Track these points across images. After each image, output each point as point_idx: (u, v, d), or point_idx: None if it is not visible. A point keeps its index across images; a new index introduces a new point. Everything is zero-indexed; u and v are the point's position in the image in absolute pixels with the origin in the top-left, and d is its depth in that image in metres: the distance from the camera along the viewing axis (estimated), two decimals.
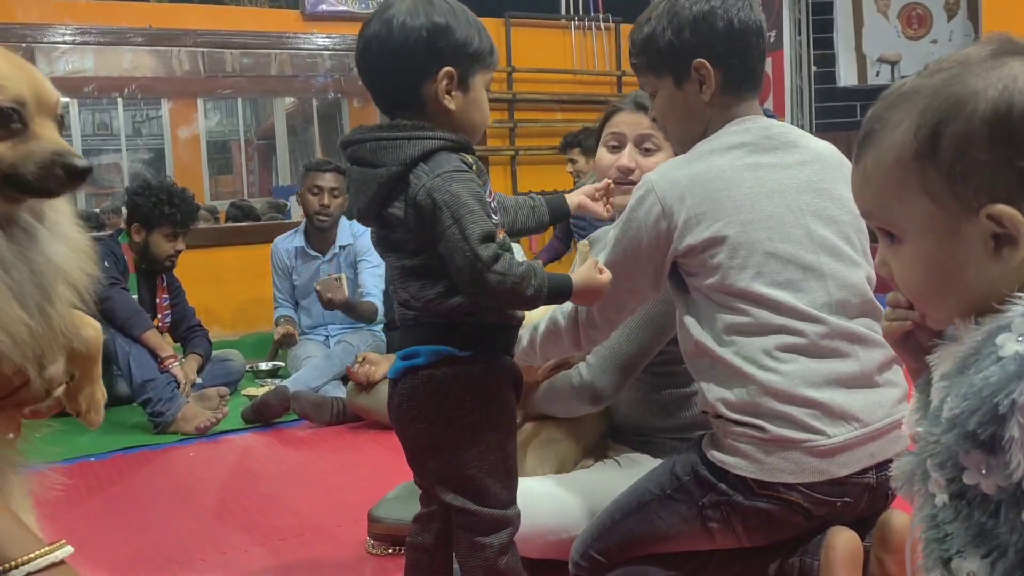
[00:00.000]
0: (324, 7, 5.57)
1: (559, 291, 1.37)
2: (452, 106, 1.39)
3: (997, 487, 0.70)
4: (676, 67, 1.56)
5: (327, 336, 4.18)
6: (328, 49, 5.71)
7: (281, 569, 2.11)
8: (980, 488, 0.71)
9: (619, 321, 1.65)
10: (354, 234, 4.16)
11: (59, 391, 1.17)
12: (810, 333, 1.45)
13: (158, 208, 3.61)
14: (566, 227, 5.22)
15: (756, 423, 1.44)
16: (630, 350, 1.76)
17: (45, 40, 4.85)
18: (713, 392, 1.49)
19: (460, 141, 1.39)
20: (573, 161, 5.25)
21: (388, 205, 1.37)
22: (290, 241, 4.28)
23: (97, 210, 6.61)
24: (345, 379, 3.57)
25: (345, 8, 5.61)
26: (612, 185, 1.71)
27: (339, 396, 3.51)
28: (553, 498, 1.78)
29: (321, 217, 4.08)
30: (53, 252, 1.08)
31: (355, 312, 3.94)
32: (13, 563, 0.98)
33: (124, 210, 3.82)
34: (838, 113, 5.87)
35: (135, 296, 3.63)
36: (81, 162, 1.06)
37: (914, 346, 0.89)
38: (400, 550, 1.99)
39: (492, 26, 5.56)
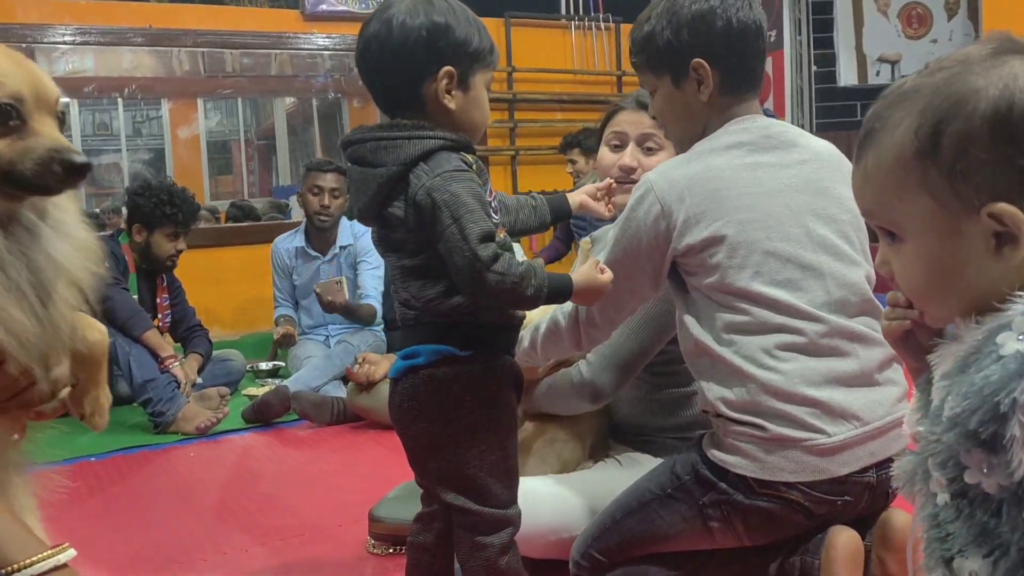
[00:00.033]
0: (324, 7, 5.57)
1: (559, 291, 1.37)
2: (452, 105, 1.39)
3: (999, 486, 0.70)
4: (674, 66, 1.56)
5: (327, 336, 4.18)
6: (328, 49, 5.71)
7: (282, 569, 2.11)
8: (982, 487, 0.71)
9: (620, 321, 1.65)
10: (355, 235, 4.16)
11: (64, 393, 1.16)
12: (810, 332, 1.45)
13: (159, 208, 3.61)
14: (566, 227, 5.22)
15: (756, 422, 1.44)
16: (630, 349, 1.76)
17: (45, 40, 4.85)
18: (713, 391, 1.49)
19: (460, 140, 1.39)
20: (573, 161, 5.25)
21: (388, 205, 1.37)
22: (290, 241, 4.28)
23: (97, 210, 6.61)
24: (345, 379, 3.57)
25: (345, 8, 5.61)
26: (614, 185, 1.71)
27: (339, 396, 3.51)
28: (554, 498, 1.78)
29: (322, 217, 4.08)
30: (56, 251, 1.07)
31: (354, 316, 3.95)
32: (15, 566, 0.98)
33: (124, 210, 3.83)
34: (838, 113, 5.87)
35: (135, 296, 3.64)
36: (79, 158, 1.04)
37: (914, 345, 0.89)
38: (400, 550, 1.99)
39: (492, 26, 5.56)
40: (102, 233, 4.16)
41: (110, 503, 2.63)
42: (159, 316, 3.80)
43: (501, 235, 1.38)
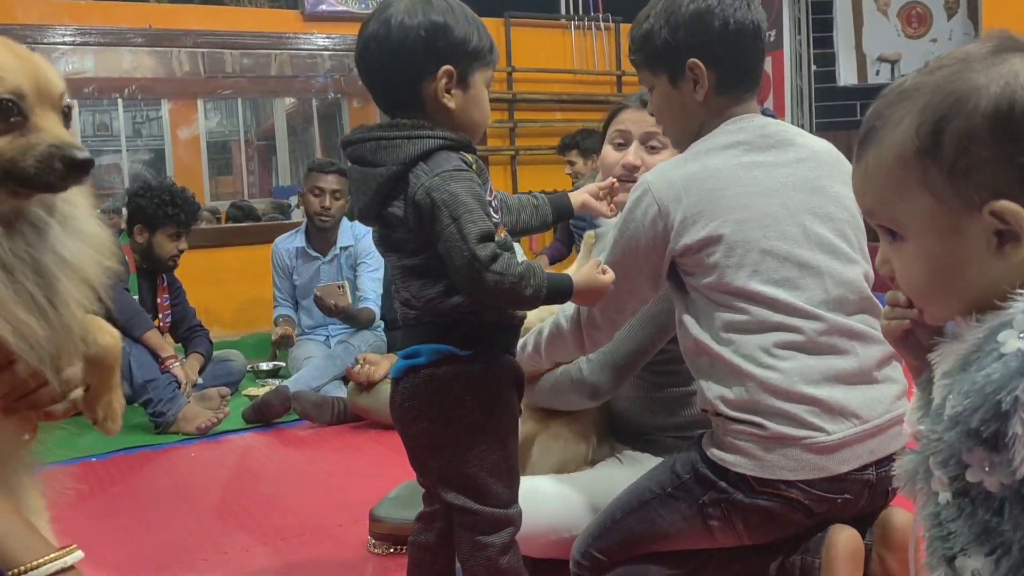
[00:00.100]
0: (324, 7, 5.57)
1: (559, 291, 1.37)
2: (452, 105, 1.39)
3: (1000, 484, 0.70)
4: (672, 66, 1.57)
5: (328, 336, 4.18)
6: (328, 49, 5.71)
7: (282, 569, 2.11)
8: (983, 486, 0.71)
9: (621, 322, 1.65)
10: (355, 236, 4.16)
11: (75, 394, 1.15)
12: (808, 330, 1.45)
13: (162, 209, 3.62)
14: (566, 228, 5.22)
15: (755, 420, 1.44)
16: (630, 347, 1.76)
17: (45, 41, 4.85)
18: (712, 390, 1.50)
19: (460, 140, 1.39)
20: (571, 163, 5.25)
21: (388, 204, 1.37)
22: (291, 241, 4.28)
23: (98, 211, 6.60)
24: (346, 379, 3.57)
25: (345, 8, 5.61)
26: (616, 184, 1.71)
27: (340, 396, 3.51)
28: (554, 497, 1.78)
29: (322, 218, 4.08)
30: (64, 249, 1.05)
31: (354, 320, 3.95)
32: (22, 568, 0.97)
33: (124, 211, 3.83)
34: (838, 112, 5.87)
35: (136, 296, 3.64)
36: (81, 154, 1.01)
37: (914, 344, 0.89)
38: (401, 549, 1.99)
39: (492, 26, 5.55)
40: None
41: (111, 503, 2.63)
42: (159, 316, 3.80)
43: (501, 235, 1.38)
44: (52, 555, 1.00)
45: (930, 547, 0.79)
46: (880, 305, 1.49)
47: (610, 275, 1.40)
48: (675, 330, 1.64)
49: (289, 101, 8.11)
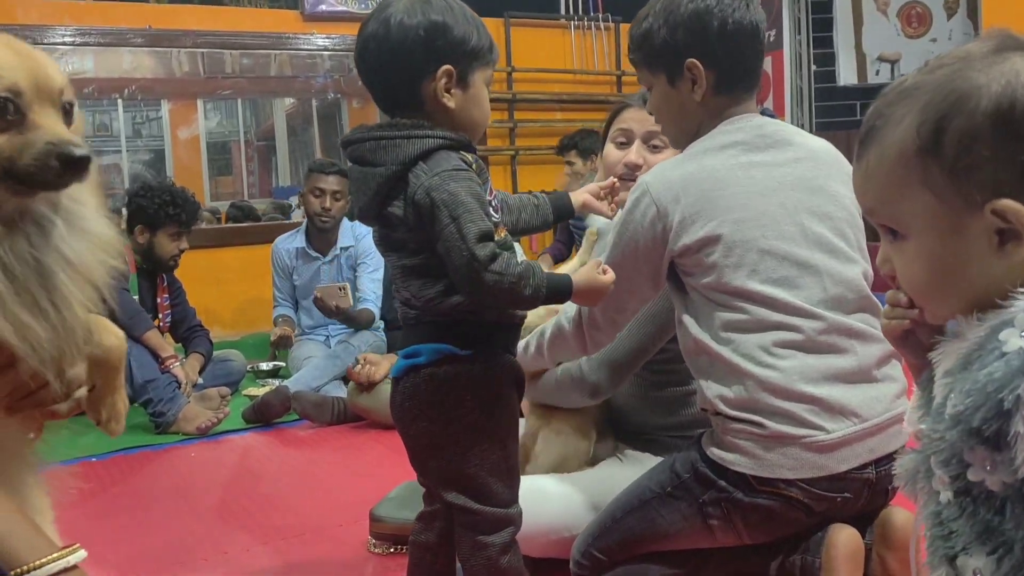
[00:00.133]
0: (323, 7, 5.57)
1: (558, 291, 1.37)
2: (451, 104, 1.39)
3: (1002, 483, 0.70)
4: (670, 66, 1.57)
5: (328, 336, 4.18)
6: (328, 50, 5.71)
7: (283, 568, 2.11)
8: (985, 485, 0.71)
9: (622, 322, 1.66)
10: (356, 236, 4.16)
11: (79, 393, 1.13)
12: (807, 329, 1.45)
13: (163, 209, 3.63)
14: (566, 229, 5.21)
15: (755, 419, 1.44)
16: (630, 346, 1.77)
17: (45, 41, 4.85)
18: (712, 389, 1.50)
19: (460, 140, 1.39)
20: (570, 163, 5.25)
21: (388, 204, 1.37)
22: (291, 241, 4.28)
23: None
24: (346, 379, 3.57)
25: (345, 8, 5.61)
26: (617, 184, 1.71)
27: (340, 396, 3.51)
28: (554, 496, 1.78)
29: (323, 219, 4.08)
30: (68, 249, 1.03)
31: (353, 321, 3.95)
32: (25, 568, 0.96)
33: (124, 211, 3.83)
34: (838, 112, 5.87)
35: (136, 296, 3.64)
36: (79, 150, 0.98)
37: (914, 343, 0.89)
38: (401, 549, 1.99)
39: (492, 26, 5.55)
40: None
41: (111, 503, 2.63)
42: (159, 316, 3.80)
43: (502, 234, 1.39)
44: (55, 554, 0.99)
45: (931, 546, 0.79)
46: (880, 304, 1.49)
47: (610, 275, 1.40)
48: (675, 329, 1.64)
49: (289, 101, 8.10)
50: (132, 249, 3.69)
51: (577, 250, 2.45)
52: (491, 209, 1.38)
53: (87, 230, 1.07)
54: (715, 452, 1.50)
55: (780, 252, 1.47)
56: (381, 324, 4.08)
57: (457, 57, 1.38)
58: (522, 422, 1.75)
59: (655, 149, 1.88)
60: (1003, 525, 0.71)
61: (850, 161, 1.50)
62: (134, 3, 5.24)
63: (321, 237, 4.17)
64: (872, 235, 1.55)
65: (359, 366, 3.29)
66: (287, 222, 5.77)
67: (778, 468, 1.43)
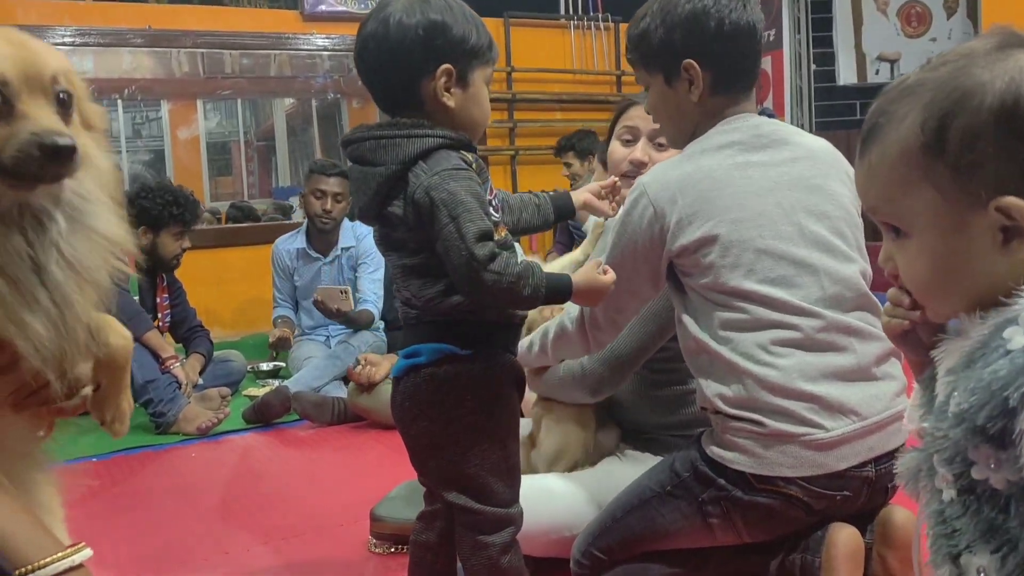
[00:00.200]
0: (323, 7, 5.57)
1: (558, 290, 1.37)
2: (451, 103, 1.38)
3: (1007, 481, 0.70)
4: (667, 66, 1.57)
5: (328, 336, 4.18)
6: (327, 50, 5.71)
7: (284, 568, 2.11)
8: (989, 483, 0.71)
9: (623, 322, 1.66)
10: (356, 236, 4.15)
11: (86, 391, 1.12)
12: (805, 327, 1.45)
13: (166, 209, 3.63)
14: (566, 230, 5.21)
15: (754, 418, 1.44)
16: (630, 345, 1.77)
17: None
18: (711, 388, 1.50)
19: (460, 139, 1.39)
20: (568, 164, 5.25)
21: (388, 204, 1.36)
22: (292, 242, 4.27)
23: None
24: (346, 379, 3.57)
25: (344, 8, 5.61)
26: (618, 183, 1.71)
27: (340, 396, 3.51)
28: (555, 496, 1.79)
29: (323, 220, 4.08)
30: (67, 246, 1.00)
31: (353, 322, 3.96)
32: (30, 567, 0.96)
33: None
34: (838, 112, 5.87)
35: (136, 297, 3.64)
36: (62, 140, 0.94)
37: (914, 341, 0.89)
38: (402, 549, 1.99)
39: (491, 26, 5.54)
40: None
41: (112, 503, 2.63)
42: (159, 316, 3.80)
43: (502, 234, 1.38)
44: (60, 553, 0.98)
45: (934, 545, 0.79)
46: (879, 303, 1.49)
47: (611, 275, 1.40)
48: (676, 328, 1.64)
49: (288, 101, 8.11)
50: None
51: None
52: (491, 208, 1.38)
53: (92, 228, 1.04)
54: (715, 451, 1.50)
55: (777, 251, 1.47)
56: (381, 324, 4.08)
57: (456, 56, 1.37)
58: (523, 422, 1.75)
59: (661, 147, 1.88)
60: (1007, 523, 0.71)
61: (850, 160, 1.50)
62: (134, 3, 5.24)
63: (322, 238, 4.17)
64: (871, 235, 1.56)
65: (359, 367, 3.29)
66: (287, 222, 5.77)
67: (777, 466, 1.43)
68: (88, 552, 1.01)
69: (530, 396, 1.88)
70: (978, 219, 0.74)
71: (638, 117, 1.90)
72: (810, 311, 1.46)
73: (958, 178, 0.74)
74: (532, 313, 1.68)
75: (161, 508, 2.58)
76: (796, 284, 1.47)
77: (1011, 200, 0.72)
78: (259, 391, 3.78)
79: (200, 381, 3.73)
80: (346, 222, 4.18)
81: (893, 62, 5.85)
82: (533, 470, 1.91)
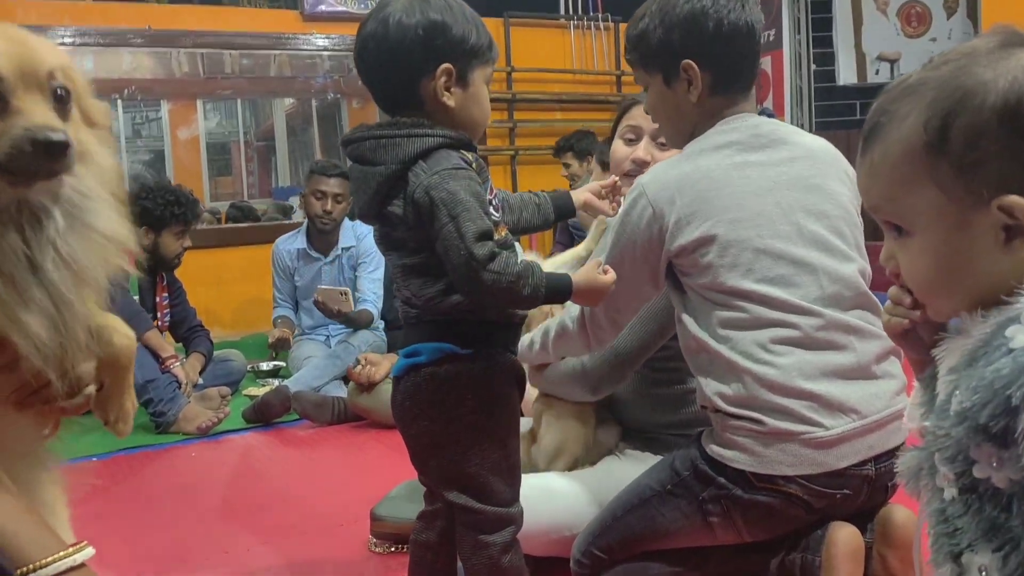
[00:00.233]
0: (323, 7, 5.57)
1: (558, 290, 1.36)
2: (451, 103, 1.38)
3: (1009, 480, 0.70)
4: (666, 66, 1.57)
5: (328, 336, 4.18)
6: (327, 50, 5.71)
7: (284, 567, 2.11)
8: (991, 481, 0.71)
9: (624, 321, 1.66)
10: (357, 236, 4.15)
11: (89, 390, 1.12)
12: (804, 326, 1.45)
13: (168, 209, 3.63)
14: (566, 231, 5.21)
15: (753, 416, 1.44)
16: (632, 343, 1.77)
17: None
18: (711, 387, 1.50)
19: (460, 138, 1.39)
20: (567, 165, 5.25)
21: (388, 203, 1.36)
22: (292, 242, 4.27)
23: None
24: (346, 379, 3.57)
25: (344, 8, 5.61)
26: (618, 183, 1.71)
27: (340, 396, 3.51)
28: (555, 495, 1.79)
29: (323, 221, 4.08)
30: (64, 244, 0.99)
31: (353, 322, 3.96)
32: (31, 566, 0.96)
33: None
34: (838, 112, 5.87)
35: (136, 296, 3.64)
36: (55, 135, 0.93)
37: (915, 339, 0.89)
38: (402, 548, 1.99)
39: (491, 26, 5.53)
40: None
41: (112, 503, 2.62)
42: (158, 316, 3.80)
43: (502, 233, 1.38)
44: (62, 552, 0.98)
45: (935, 544, 0.79)
46: (878, 302, 1.49)
47: (611, 275, 1.40)
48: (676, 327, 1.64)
49: (288, 102, 8.11)
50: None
51: None
52: (491, 208, 1.38)
53: (92, 226, 1.03)
54: (714, 449, 1.50)
55: (775, 251, 1.48)
56: (381, 324, 4.08)
57: (456, 55, 1.37)
58: (523, 421, 1.76)
59: (663, 147, 1.88)
60: (1009, 522, 0.71)
61: (850, 160, 1.50)
62: (134, 3, 5.24)
63: (322, 238, 4.17)
64: (871, 234, 1.56)
65: (359, 366, 3.29)
66: (287, 222, 5.77)
67: (777, 464, 1.43)
68: (90, 551, 1.01)
69: (530, 395, 1.88)
70: (980, 218, 0.74)
71: (641, 116, 1.90)
72: (809, 310, 1.46)
73: (961, 177, 0.75)
74: (532, 310, 1.68)
75: (161, 508, 2.58)
76: (795, 283, 1.47)
77: (1013, 199, 0.72)
78: (259, 391, 3.78)
79: (200, 381, 3.73)
80: (346, 222, 4.18)
81: (893, 62, 5.85)
82: (533, 465, 1.91)
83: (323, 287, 3.95)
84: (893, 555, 1.51)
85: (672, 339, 1.72)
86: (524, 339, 1.77)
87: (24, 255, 0.97)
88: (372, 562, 2.10)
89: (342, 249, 4.17)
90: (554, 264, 1.97)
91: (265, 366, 4.26)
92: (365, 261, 4.12)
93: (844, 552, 1.47)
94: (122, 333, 1.14)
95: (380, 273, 4.05)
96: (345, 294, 3.86)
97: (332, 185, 4.03)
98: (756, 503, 1.47)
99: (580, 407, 1.91)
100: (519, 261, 1.33)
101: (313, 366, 3.79)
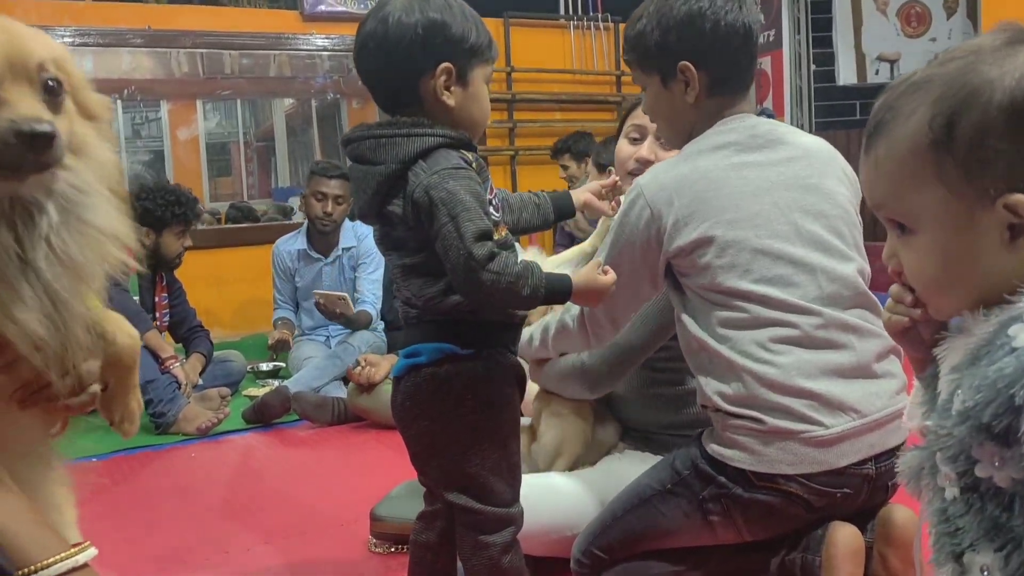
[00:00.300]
0: (323, 8, 5.57)
1: (557, 291, 1.36)
2: (451, 102, 1.38)
3: (1011, 479, 0.70)
4: (663, 67, 1.57)
5: (328, 336, 4.18)
6: (327, 50, 5.71)
7: (284, 568, 2.11)
8: (993, 481, 0.71)
9: (623, 321, 1.66)
10: (357, 236, 4.15)
11: (94, 388, 1.10)
12: (803, 325, 1.45)
13: (169, 209, 3.63)
14: (565, 230, 5.21)
15: (753, 415, 1.44)
16: (630, 342, 1.77)
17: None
18: (711, 386, 1.50)
19: (460, 138, 1.38)
20: (565, 167, 5.25)
21: (388, 203, 1.36)
22: (292, 243, 4.27)
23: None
24: (346, 379, 3.57)
25: (344, 9, 5.61)
26: (618, 182, 1.71)
27: (340, 396, 3.51)
28: (556, 495, 1.78)
29: (323, 223, 4.08)
30: (58, 240, 0.97)
31: (352, 323, 3.96)
32: (33, 567, 0.95)
33: None
34: (837, 112, 5.87)
35: (136, 296, 3.64)
36: (40, 126, 0.91)
37: (915, 338, 0.89)
38: (402, 548, 1.99)
39: (491, 26, 5.52)
40: None
41: (112, 503, 2.62)
42: (157, 316, 3.80)
43: (502, 233, 1.38)
44: (64, 553, 0.97)
45: (937, 543, 0.79)
46: (878, 302, 1.49)
47: (611, 276, 1.40)
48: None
49: (288, 102, 8.11)
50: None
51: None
52: (491, 208, 1.37)
53: (88, 221, 1.01)
54: (715, 448, 1.50)
55: (774, 251, 1.48)
56: (381, 324, 4.08)
57: (456, 54, 1.37)
58: (523, 420, 1.75)
59: (668, 146, 1.88)
60: (1011, 521, 0.71)
61: (850, 159, 1.50)
62: (133, 3, 5.24)
63: (322, 238, 4.16)
64: (870, 234, 1.56)
65: (359, 367, 3.29)
66: (287, 223, 5.77)
67: (777, 463, 1.43)
68: (93, 551, 1.00)
69: (530, 395, 1.89)
70: (986, 216, 0.74)
71: (646, 116, 1.90)
72: (808, 309, 1.46)
73: (966, 175, 0.74)
74: (533, 314, 1.68)
75: (161, 508, 2.58)
76: (793, 283, 1.47)
77: (1019, 198, 0.72)
78: (259, 391, 3.78)
79: (200, 381, 3.73)
80: (347, 222, 4.18)
81: (893, 62, 5.85)
82: (533, 463, 1.91)
83: (321, 292, 3.96)
84: (894, 555, 1.51)
85: (672, 339, 1.72)
86: (524, 334, 1.77)
87: (15, 253, 0.95)
88: (372, 562, 2.10)
89: (342, 250, 4.17)
90: (559, 260, 1.97)
91: (265, 367, 4.26)
92: (365, 262, 4.12)
93: (844, 552, 1.47)
94: (125, 332, 1.13)
95: (379, 274, 4.05)
96: (343, 299, 3.87)
97: (333, 187, 4.02)
98: (756, 502, 1.47)
99: (579, 404, 1.91)
100: (519, 261, 1.32)
101: (313, 367, 3.79)
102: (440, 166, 1.33)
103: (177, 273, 3.91)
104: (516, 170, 6.22)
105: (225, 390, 3.70)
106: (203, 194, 7.43)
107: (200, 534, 2.35)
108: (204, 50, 5.56)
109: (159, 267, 3.74)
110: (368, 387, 3.27)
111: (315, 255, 4.20)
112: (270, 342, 4.15)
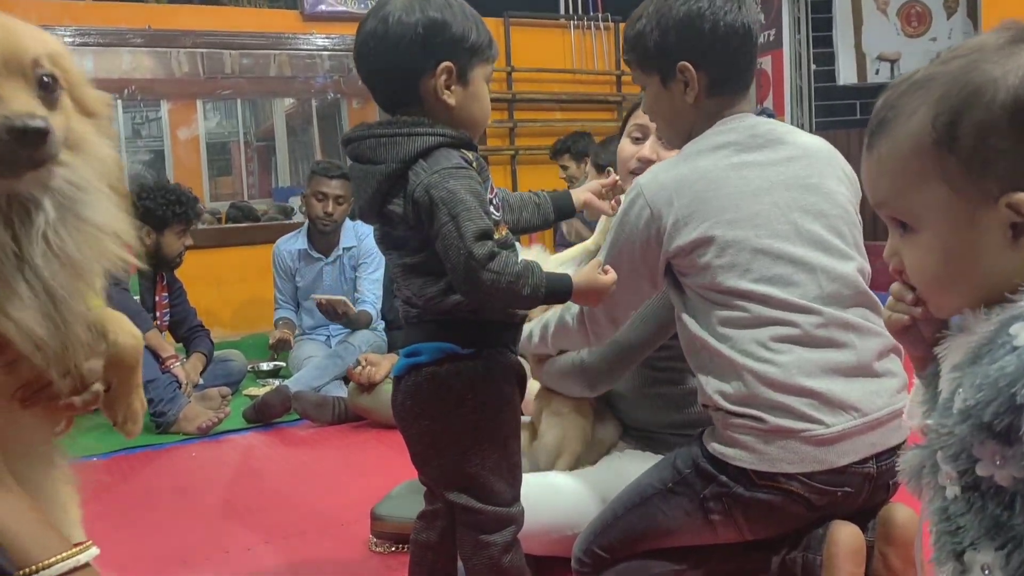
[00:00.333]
0: (323, 7, 5.57)
1: (558, 291, 1.36)
2: (452, 101, 1.38)
3: (1012, 478, 0.70)
4: (663, 67, 1.57)
5: (328, 336, 4.18)
6: (327, 50, 5.70)
7: (285, 567, 2.11)
8: (994, 479, 0.71)
9: (623, 320, 1.66)
10: (358, 236, 4.15)
11: (97, 387, 1.10)
12: (804, 324, 1.46)
13: (170, 209, 3.63)
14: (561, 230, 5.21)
15: (754, 414, 1.44)
16: (630, 340, 1.77)
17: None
18: (712, 385, 1.50)
19: (460, 137, 1.38)
20: (564, 167, 5.24)
21: (388, 202, 1.36)
22: (293, 243, 4.27)
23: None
24: (346, 379, 3.57)
25: (344, 8, 5.61)
26: (619, 182, 1.71)
27: (340, 396, 3.51)
28: (557, 495, 1.78)
29: (324, 223, 4.08)
30: (55, 237, 0.96)
31: (352, 323, 3.97)
32: (35, 567, 0.95)
33: None
34: (838, 111, 5.87)
35: (136, 296, 3.64)
36: (32, 122, 0.90)
37: (916, 336, 0.89)
38: (403, 548, 1.99)
39: (491, 26, 5.52)
40: None
41: (112, 503, 2.62)
42: (158, 315, 3.80)
43: (502, 233, 1.38)
44: (65, 553, 0.97)
45: (937, 542, 0.79)
46: (878, 301, 1.49)
47: (611, 275, 1.40)
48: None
49: (288, 102, 8.10)
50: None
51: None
52: (491, 207, 1.37)
53: (86, 218, 1.00)
54: (716, 447, 1.50)
55: (773, 251, 1.48)
56: (381, 324, 4.08)
57: (456, 53, 1.37)
58: (523, 420, 1.75)
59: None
60: (1012, 520, 0.71)
61: (850, 159, 1.50)
62: (134, 3, 5.24)
63: (323, 238, 4.17)
64: (870, 234, 1.56)
65: (360, 367, 3.29)
66: (287, 222, 5.77)
67: (778, 462, 1.43)
68: (95, 551, 1.00)
69: (530, 394, 1.89)
70: (988, 215, 0.74)
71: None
72: (808, 308, 1.46)
73: (969, 174, 0.74)
74: (534, 313, 1.67)
75: (161, 507, 2.58)
76: (794, 282, 1.47)
77: (1022, 197, 0.72)
78: (259, 391, 3.78)
79: (200, 381, 3.73)
80: (347, 222, 4.18)
81: (893, 62, 5.85)
82: (534, 461, 1.91)
83: (323, 287, 3.96)
84: (894, 554, 1.51)
85: (673, 339, 1.72)
86: (523, 330, 1.77)
87: (12, 250, 0.94)
88: (372, 562, 2.10)
89: (343, 249, 4.17)
90: (563, 258, 1.97)
91: (265, 366, 4.26)
92: (365, 262, 4.12)
93: (845, 551, 1.47)
94: (128, 332, 1.13)
95: (380, 274, 4.06)
96: (344, 303, 3.88)
97: (334, 187, 4.02)
98: (757, 501, 1.47)
99: (579, 403, 1.91)
100: (519, 261, 1.32)
101: (313, 366, 3.79)
102: (441, 165, 1.33)
103: (177, 272, 3.91)
104: (516, 170, 6.22)
105: (225, 389, 3.70)
106: (203, 194, 7.43)
107: (200, 534, 2.35)
108: (204, 50, 5.56)
109: (160, 266, 3.74)
110: (369, 386, 3.27)
111: (316, 255, 4.20)
112: (271, 342, 4.15)
